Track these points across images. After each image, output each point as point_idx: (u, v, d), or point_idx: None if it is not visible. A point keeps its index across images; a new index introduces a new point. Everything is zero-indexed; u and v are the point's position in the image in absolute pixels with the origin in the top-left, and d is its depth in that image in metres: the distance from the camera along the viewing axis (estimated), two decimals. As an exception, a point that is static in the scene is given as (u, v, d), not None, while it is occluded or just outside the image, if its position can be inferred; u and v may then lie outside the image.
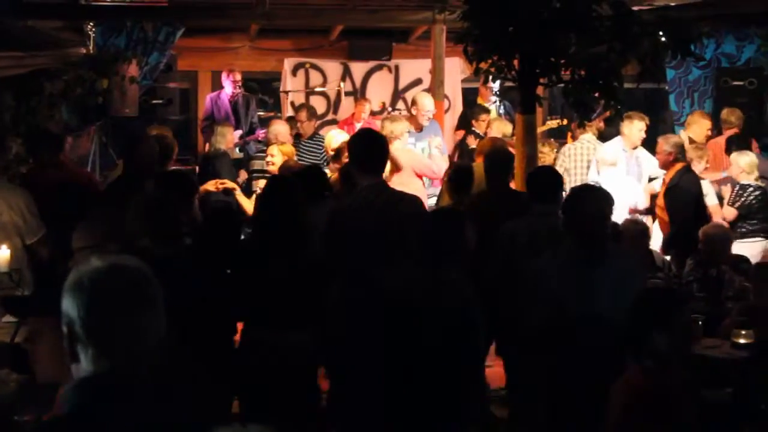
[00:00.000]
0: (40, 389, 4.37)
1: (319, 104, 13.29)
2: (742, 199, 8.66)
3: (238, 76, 12.12)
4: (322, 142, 10.33)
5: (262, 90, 13.77)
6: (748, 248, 8.32)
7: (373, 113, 12.34)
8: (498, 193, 6.87)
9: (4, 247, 5.73)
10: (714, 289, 7.13)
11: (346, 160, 7.47)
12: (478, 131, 11.15)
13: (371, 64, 13.68)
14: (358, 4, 11.43)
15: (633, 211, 9.00)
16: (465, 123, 12.05)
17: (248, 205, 8.60)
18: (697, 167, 8.83)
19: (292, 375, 5.00)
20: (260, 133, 11.48)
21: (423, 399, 4.53)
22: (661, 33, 6.90)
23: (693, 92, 12.11)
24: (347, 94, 13.43)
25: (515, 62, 7.06)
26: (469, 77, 12.72)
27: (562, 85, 7.12)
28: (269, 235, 5.13)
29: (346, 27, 12.75)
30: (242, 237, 6.64)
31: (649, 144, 9.45)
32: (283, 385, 4.97)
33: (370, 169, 5.53)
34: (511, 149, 7.68)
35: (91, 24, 11.04)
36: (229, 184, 8.91)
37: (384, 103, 13.18)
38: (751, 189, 8.68)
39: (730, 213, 8.66)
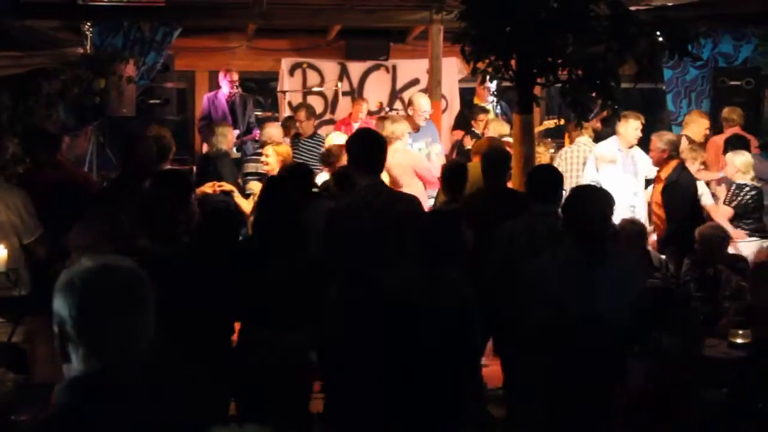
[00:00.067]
0: (37, 389, 4.38)
1: (316, 104, 13.28)
2: (739, 198, 8.67)
3: (235, 76, 12.12)
4: (322, 142, 10.34)
5: (260, 90, 13.76)
6: (743, 248, 8.33)
7: (370, 113, 12.32)
8: (495, 192, 6.87)
9: (1, 246, 5.73)
10: (711, 289, 7.13)
11: (340, 162, 7.49)
12: (476, 131, 11.14)
13: (368, 63, 13.67)
14: (356, 4, 11.42)
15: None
16: (463, 123, 12.05)
17: (246, 206, 8.62)
18: (691, 168, 8.84)
19: (289, 375, 5.00)
20: (257, 133, 11.48)
21: (422, 399, 4.53)
22: (658, 33, 6.90)
23: (690, 92, 12.13)
24: (344, 93, 13.43)
25: (512, 62, 7.06)
26: (466, 77, 12.72)
27: (559, 84, 7.13)
28: (268, 236, 5.14)
29: (344, 27, 12.75)
30: (240, 238, 6.64)
31: (646, 144, 9.45)
32: (281, 385, 4.97)
33: (369, 169, 5.54)
34: (508, 149, 7.68)
35: (89, 24, 11.04)
36: (227, 186, 8.92)
37: (381, 103, 13.17)
38: (747, 189, 8.69)
39: (726, 212, 8.67)
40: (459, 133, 11.90)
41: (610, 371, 4.68)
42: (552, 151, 10.97)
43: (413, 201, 5.69)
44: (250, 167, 9.41)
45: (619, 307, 4.74)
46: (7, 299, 5.69)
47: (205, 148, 12.14)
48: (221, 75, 12.18)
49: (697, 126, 10.25)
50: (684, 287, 7.18)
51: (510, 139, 8.45)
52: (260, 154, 9.03)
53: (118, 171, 7.79)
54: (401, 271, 4.84)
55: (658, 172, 8.61)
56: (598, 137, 10.53)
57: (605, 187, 6.37)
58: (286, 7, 11.42)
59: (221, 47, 13.33)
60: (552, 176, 6.29)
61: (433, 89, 11.49)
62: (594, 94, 7.07)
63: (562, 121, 11.92)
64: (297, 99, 13.15)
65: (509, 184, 7.27)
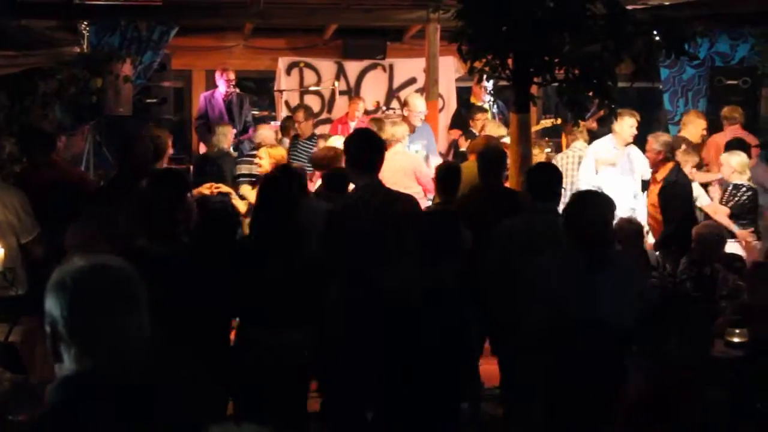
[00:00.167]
0: (34, 388, 4.37)
1: (313, 103, 13.29)
2: (736, 198, 8.68)
3: (232, 75, 12.11)
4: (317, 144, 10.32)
5: (257, 89, 13.76)
6: (738, 248, 8.33)
7: (367, 112, 12.34)
8: (491, 192, 6.86)
9: (-1, 246, 5.73)
10: (708, 288, 7.14)
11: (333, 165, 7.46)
12: (474, 131, 11.14)
13: (365, 63, 13.67)
14: (353, 3, 11.42)
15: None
16: (459, 122, 12.06)
17: (243, 207, 8.63)
18: (684, 170, 8.83)
19: (287, 374, 5.00)
20: (253, 132, 11.47)
21: (421, 398, 4.53)
22: (655, 32, 6.90)
23: (687, 91, 12.13)
24: (341, 93, 13.43)
25: (509, 61, 7.06)
26: (463, 76, 12.73)
27: (556, 84, 7.13)
28: (265, 235, 5.14)
29: (341, 26, 12.75)
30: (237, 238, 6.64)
31: (641, 143, 9.45)
32: (278, 384, 4.97)
33: (366, 169, 5.54)
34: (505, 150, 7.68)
35: (85, 23, 11.02)
36: (224, 188, 8.91)
37: (378, 102, 13.19)
38: (744, 189, 8.70)
39: (723, 211, 8.68)
40: (456, 132, 11.91)
41: (610, 373, 4.69)
42: (548, 150, 10.97)
43: (411, 200, 5.69)
44: (243, 169, 9.33)
45: (621, 311, 4.75)
46: (4, 299, 5.68)
47: (202, 147, 12.16)
48: (218, 74, 12.18)
49: (694, 127, 10.26)
50: (681, 286, 7.19)
51: (507, 140, 8.44)
52: (254, 156, 9.00)
53: (115, 170, 7.78)
54: (401, 270, 4.84)
55: (654, 173, 8.62)
56: (594, 137, 10.53)
57: (605, 190, 6.37)
58: (283, 6, 11.42)
59: (218, 46, 13.34)
60: (551, 174, 6.28)
61: (430, 88, 11.50)
62: (591, 94, 7.07)
63: (559, 121, 11.93)
64: (294, 98, 13.15)
65: (506, 184, 7.27)
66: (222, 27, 13.17)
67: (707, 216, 8.81)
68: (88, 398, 2.21)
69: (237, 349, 5.13)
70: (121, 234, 4.89)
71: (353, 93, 13.41)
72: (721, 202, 8.79)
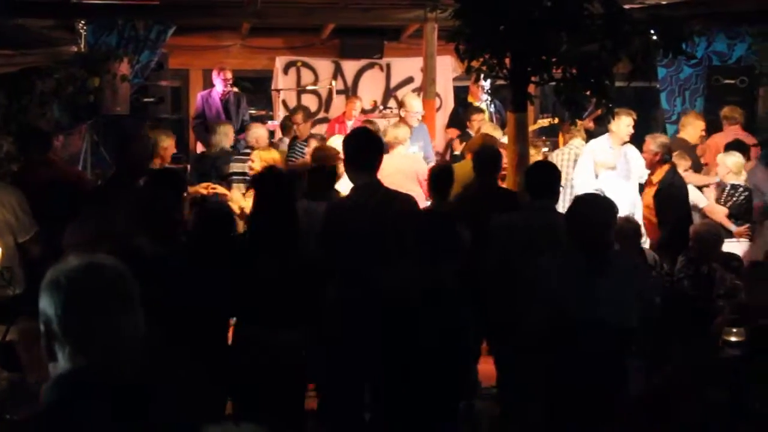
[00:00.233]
0: (32, 387, 4.36)
1: (310, 103, 13.31)
2: (734, 198, 8.69)
3: (229, 74, 12.09)
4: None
5: (255, 89, 13.76)
6: (734, 248, 8.33)
7: (364, 111, 12.34)
8: (487, 191, 6.86)
9: (-4, 245, 5.72)
10: (705, 287, 7.14)
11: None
12: (471, 132, 11.14)
13: (363, 62, 13.67)
14: (350, 3, 11.43)
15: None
16: (457, 121, 12.06)
17: (237, 208, 8.61)
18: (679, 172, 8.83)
19: (283, 374, 5.00)
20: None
21: (420, 398, 4.53)
22: (652, 31, 6.91)
23: (684, 90, 12.14)
24: (339, 92, 13.45)
25: (506, 60, 7.06)
26: (460, 75, 12.74)
27: (553, 83, 7.13)
28: (261, 234, 5.13)
29: (338, 25, 12.75)
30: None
31: (639, 142, 9.45)
32: (275, 383, 4.97)
33: (364, 168, 5.53)
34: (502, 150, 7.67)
35: (83, 22, 11.02)
36: (220, 189, 8.89)
37: (375, 101, 13.19)
38: (741, 189, 8.72)
39: (722, 211, 8.68)
40: (453, 131, 11.91)
41: (610, 373, 4.69)
42: (545, 149, 10.97)
43: (409, 200, 5.68)
44: (236, 167, 9.28)
45: (621, 311, 4.75)
46: (2, 298, 5.68)
47: (199, 146, 12.15)
48: (215, 73, 12.17)
49: (693, 128, 10.26)
50: (678, 285, 7.19)
51: (504, 140, 8.44)
52: (247, 155, 8.96)
53: (113, 169, 7.78)
54: (400, 270, 4.83)
55: (650, 175, 8.62)
56: (591, 136, 10.52)
57: (607, 194, 6.38)
58: (280, 5, 11.42)
59: (215, 45, 13.34)
60: (550, 173, 6.29)
61: (427, 87, 11.51)
62: (588, 93, 7.07)
63: (556, 120, 11.92)
64: (291, 97, 13.15)
65: (503, 184, 7.27)
66: (219, 26, 13.17)
67: (704, 217, 8.81)
68: (84, 397, 2.21)
69: (234, 348, 5.13)
70: (119, 233, 4.88)
71: (350, 92, 13.42)
72: (718, 202, 8.79)
